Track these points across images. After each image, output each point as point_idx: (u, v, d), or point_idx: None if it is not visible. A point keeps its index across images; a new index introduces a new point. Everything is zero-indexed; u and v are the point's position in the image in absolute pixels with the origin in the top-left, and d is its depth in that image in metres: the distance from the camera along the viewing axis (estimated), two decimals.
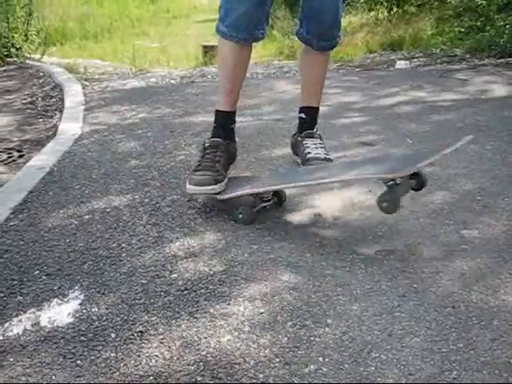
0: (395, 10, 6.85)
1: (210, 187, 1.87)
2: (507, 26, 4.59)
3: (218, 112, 2.08)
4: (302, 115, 2.26)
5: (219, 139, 2.01)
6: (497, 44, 4.38)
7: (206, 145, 2.01)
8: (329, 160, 2.08)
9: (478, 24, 5.15)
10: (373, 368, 1.15)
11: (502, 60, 4.13)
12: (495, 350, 1.19)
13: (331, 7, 2.06)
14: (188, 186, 1.89)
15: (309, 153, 2.11)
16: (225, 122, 2.06)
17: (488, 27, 4.92)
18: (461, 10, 5.86)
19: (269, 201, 1.85)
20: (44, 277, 1.53)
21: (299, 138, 2.22)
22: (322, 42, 2.13)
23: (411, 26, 5.87)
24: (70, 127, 2.94)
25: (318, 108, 2.27)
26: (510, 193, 1.90)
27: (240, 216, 1.78)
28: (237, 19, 1.94)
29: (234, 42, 1.98)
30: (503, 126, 2.60)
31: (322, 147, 2.15)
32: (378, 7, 7.07)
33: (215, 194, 1.89)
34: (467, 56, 4.48)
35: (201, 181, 1.89)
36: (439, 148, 1.75)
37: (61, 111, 3.41)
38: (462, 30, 5.24)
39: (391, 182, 1.61)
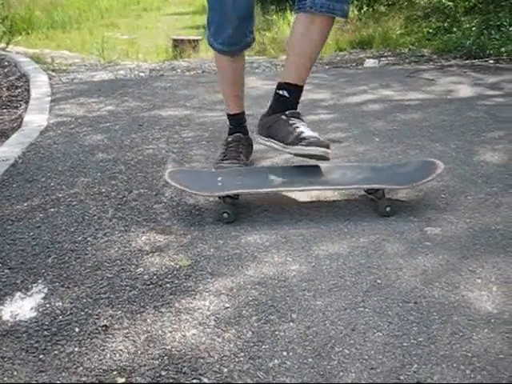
0: (365, 8, 6.92)
1: None
2: (473, 29, 4.69)
3: (229, 116, 2.25)
4: (285, 93, 1.93)
5: (240, 134, 2.21)
6: (463, 45, 4.47)
7: (229, 139, 2.19)
8: (327, 147, 1.84)
9: (446, 25, 5.25)
10: (336, 362, 1.17)
11: (468, 61, 4.21)
12: (454, 344, 1.22)
13: None
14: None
15: (302, 132, 1.86)
16: (238, 122, 2.24)
17: (455, 29, 5.02)
18: (429, 10, 5.97)
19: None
20: (6, 270, 1.51)
21: (283, 117, 1.91)
22: (342, 3, 1.83)
23: (381, 25, 5.93)
24: (36, 118, 2.89)
25: (302, 88, 1.96)
26: (472, 191, 1.95)
27: (226, 215, 1.76)
28: (229, 36, 2.02)
29: (230, 56, 2.09)
30: (467, 125, 2.65)
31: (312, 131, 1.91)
32: None
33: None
34: (434, 56, 4.56)
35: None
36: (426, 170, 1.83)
37: (26, 102, 3.35)
38: (430, 30, 5.33)
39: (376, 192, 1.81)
